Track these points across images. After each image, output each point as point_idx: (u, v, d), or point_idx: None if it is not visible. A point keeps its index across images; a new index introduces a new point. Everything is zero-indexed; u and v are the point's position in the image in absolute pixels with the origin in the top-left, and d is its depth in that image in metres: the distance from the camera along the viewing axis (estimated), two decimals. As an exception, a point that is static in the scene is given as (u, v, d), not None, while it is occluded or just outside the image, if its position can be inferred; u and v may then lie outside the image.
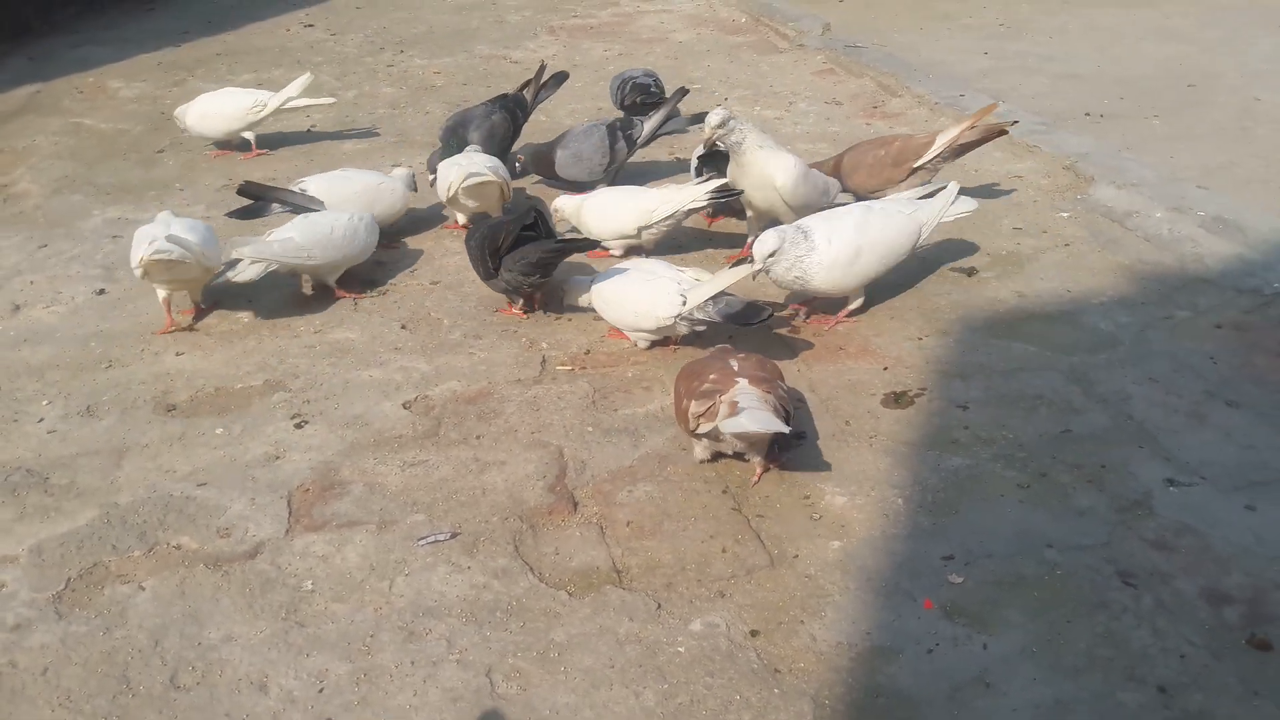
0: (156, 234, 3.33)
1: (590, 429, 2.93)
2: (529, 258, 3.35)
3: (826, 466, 2.75)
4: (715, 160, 4.06)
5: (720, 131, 3.61)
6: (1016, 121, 4.47)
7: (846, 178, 4.05)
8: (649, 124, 4.38)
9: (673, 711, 2.05)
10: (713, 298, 3.13)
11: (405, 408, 3.04)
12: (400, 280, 3.81)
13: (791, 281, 3.29)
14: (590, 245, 3.64)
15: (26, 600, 2.36)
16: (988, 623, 2.25)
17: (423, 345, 3.38)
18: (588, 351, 3.33)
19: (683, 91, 4.51)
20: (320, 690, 2.11)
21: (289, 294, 3.72)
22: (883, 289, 3.62)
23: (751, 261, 3.27)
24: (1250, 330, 3.30)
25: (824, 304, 3.47)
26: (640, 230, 3.78)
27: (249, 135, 4.97)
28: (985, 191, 4.44)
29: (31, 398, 3.14)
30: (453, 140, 4.32)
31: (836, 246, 3.27)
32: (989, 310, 3.48)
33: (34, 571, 2.44)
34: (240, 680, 2.14)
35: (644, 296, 3.21)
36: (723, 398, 2.60)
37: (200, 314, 3.60)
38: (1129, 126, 5.36)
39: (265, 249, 3.50)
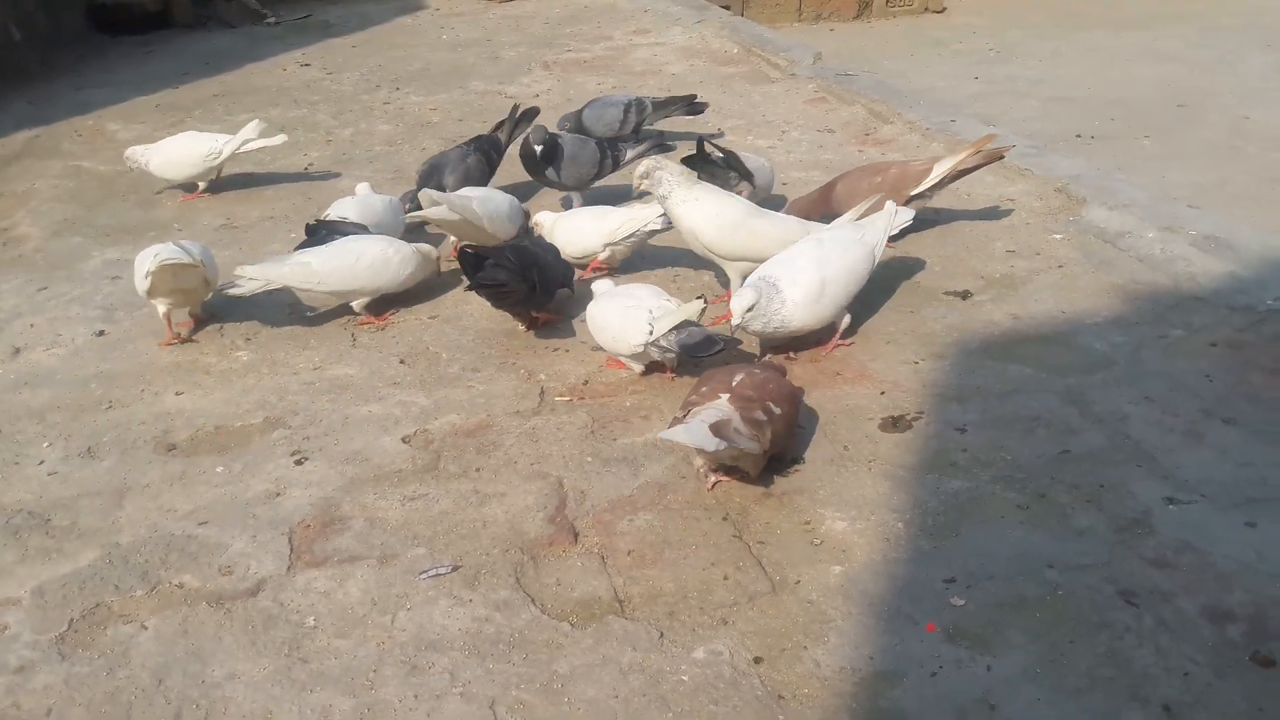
0: (159, 249, 3.53)
1: (590, 459, 2.94)
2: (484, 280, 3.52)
3: (826, 492, 2.75)
4: (701, 163, 4.28)
5: (645, 183, 3.52)
6: (1014, 145, 4.51)
7: (840, 206, 4.03)
8: (632, 151, 4.56)
9: (677, 741, 2.05)
10: (675, 328, 3.17)
11: (405, 442, 3.05)
12: (398, 316, 3.83)
13: (774, 333, 3.29)
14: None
15: (29, 642, 2.36)
16: (990, 644, 2.25)
17: (421, 379, 3.39)
18: (586, 382, 3.35)
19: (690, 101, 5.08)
20: (323, 727, 2.11)
21: (288, 331, 3.74)
22: (877, 314, 3.65)
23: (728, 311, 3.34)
24: (1245, 348, 3.32)
25: (816, 337, 3.46)
26: (606, 248, 3.93)
27: (201, 183, 5.06)
28: (978, 214, 4.47)
29: (32, 440, 3.15)
30: (429, 184, 4.40)
31: (802, 285, 3.26)
32: (984, 333, 3.50)
33: (36, 613, 2.45)
34: (245, 717, 2.14)
35: (618, 323, 3.29)
36: (696, 409, 2.67)
37: (199, 325, 3.77)
38: (1120, 147, 5.42)
39: (273, 270, 3.62)
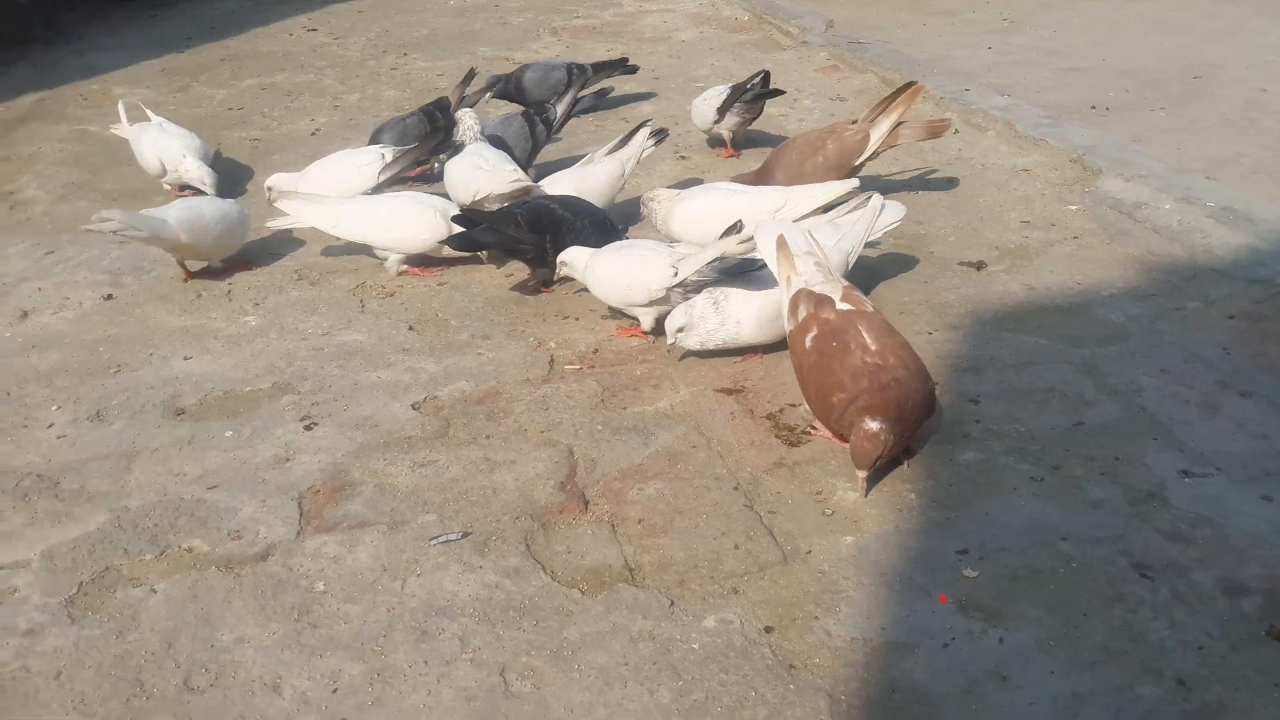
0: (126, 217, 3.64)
1: (600, 427, 2.92)
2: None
3: (838, 463, 2.74)
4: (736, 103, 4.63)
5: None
6: (951, 122, 4.43)
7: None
8: (561, 106, 4.56)
9: (687, 708, 2.04)
10: (708, 263, 3.16)
11: (414, 408, 3.04)
12: (407, 282, 3.80)
13: (720, 344, 3.15)
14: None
15: (39, 605, 2.36)
16: (1003, 617, 2.23)
17: (430, 346, 3.37)
18: (595, 350, 3.32)
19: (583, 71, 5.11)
20: (334, 691, 2.11)
21: (296, 297, 3.72)
22: (890, 283, 3.61)
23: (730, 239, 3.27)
24: (1262, 320, 3.28)
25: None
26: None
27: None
28: (992, 185, 4.42)
29: (41, 403, 3.14)
30: (371, 143, 4.44)
31: (756, 304, 3.12)
32: (998, 304, 3.47)
33: (46, 576, 2.44)
34: (254, 682, 2.14)
35: (636, 270, 3.25)
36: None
37: (231, 271, 3.91)
38: (1135, 119, 5.34)
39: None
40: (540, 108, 4.57)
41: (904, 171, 4.59)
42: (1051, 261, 3.74)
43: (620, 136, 4.15)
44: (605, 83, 5.64)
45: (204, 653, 2.21)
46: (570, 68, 5.35)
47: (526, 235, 3.52)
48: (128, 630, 2.28)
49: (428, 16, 7.82)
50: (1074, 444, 2.76)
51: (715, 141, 5.06)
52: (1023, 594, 2.29)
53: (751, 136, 5.06)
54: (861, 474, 2.59)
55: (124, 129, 4.68)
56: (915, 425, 2.66)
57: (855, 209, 3.50)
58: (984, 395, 2.98)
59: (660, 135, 4.29)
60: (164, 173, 4.43)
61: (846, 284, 2.88)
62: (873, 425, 2.54)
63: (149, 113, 4.74)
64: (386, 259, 3.81)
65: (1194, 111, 5.32)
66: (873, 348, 2.67)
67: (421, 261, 3.83)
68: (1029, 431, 2.82)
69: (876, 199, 3.39)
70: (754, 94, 4.82)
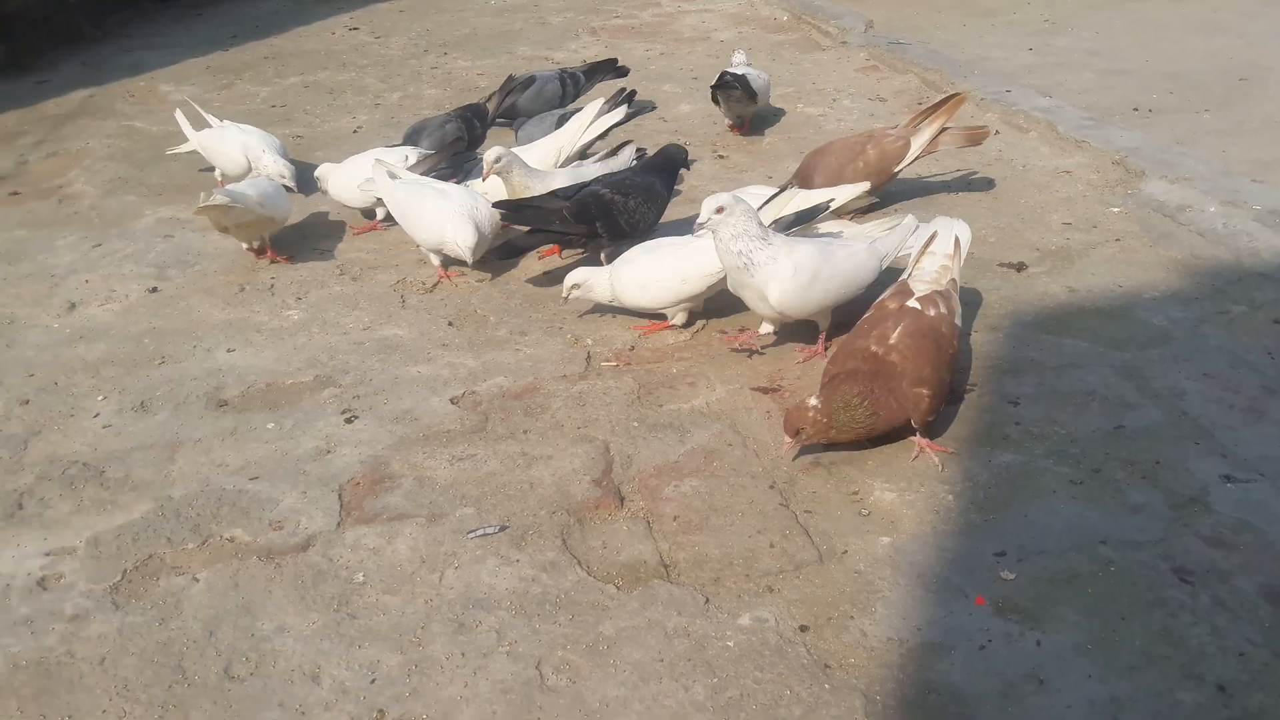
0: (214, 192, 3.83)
1: (636, 424, 2.93)
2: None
3: (874, 462, 2.73)
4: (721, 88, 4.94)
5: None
6: (996, 131, 4.45)
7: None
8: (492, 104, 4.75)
9: (723, 705, 2.05)
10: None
11: (453, 403, 3.06)
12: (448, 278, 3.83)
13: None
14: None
15: (84, 591, 2.41)
16: (1041, 620, 2.22)
17: (469, 342, 3.40)
18: (632, 348, 3.33)
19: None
20: (372, 681, 2.13)
21: (338, 292, 3.76)
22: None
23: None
24: (1309, 325, 3.23)
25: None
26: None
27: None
28: (1033, 186, 4.39)
29: (87, 393, 3.19)
30: (407, 145, 4.46)
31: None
32: (1039, 305, 3.44)
33: (91, 563, 2.49)
34: (293, 671, 2.17)
35: (686, 261, 3.26)
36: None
37: (261, 252, 4.01)
38: (1179, 121, 5.27)
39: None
40: (478, 109, 4.72)
41: (945, 172, 4.56)
42: (1093, 264, 3.70)
43: (610, 148, 4.27)
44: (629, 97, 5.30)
45: (244, 641, 2.25)
46: (563, 77, 5.31)
47: (575, 227, 3.60)
48: (170, 618, 2.32)
49: (468, 16, 7.87)
50: (1114, 447, 2.73)
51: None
52: (1061, 597, 2.27)
53: (790, 136, 5.05)
54: (785, 440, 2.71)
55: (192, 138, 4.70)
56: (888, 421, 2.69)
57: (889, 228, 3.36)
58: (1024, 397, 2.96)
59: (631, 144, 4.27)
60: (248, 169, 4.47)
61: (943, 290, 2.91)
62: (810, 400, 2.66)
63: (209, 117, 4.78)
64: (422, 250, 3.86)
65: (1239, 114, 5.24)
66: (890, 341, 2.72)
67: (447, 261, 3.81)
68: (1069, 434, 2.79)
69: (910, 221, 3.30)
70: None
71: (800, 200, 3.57)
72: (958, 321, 2.90)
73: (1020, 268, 3.69)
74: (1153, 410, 2.88)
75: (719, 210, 2.97)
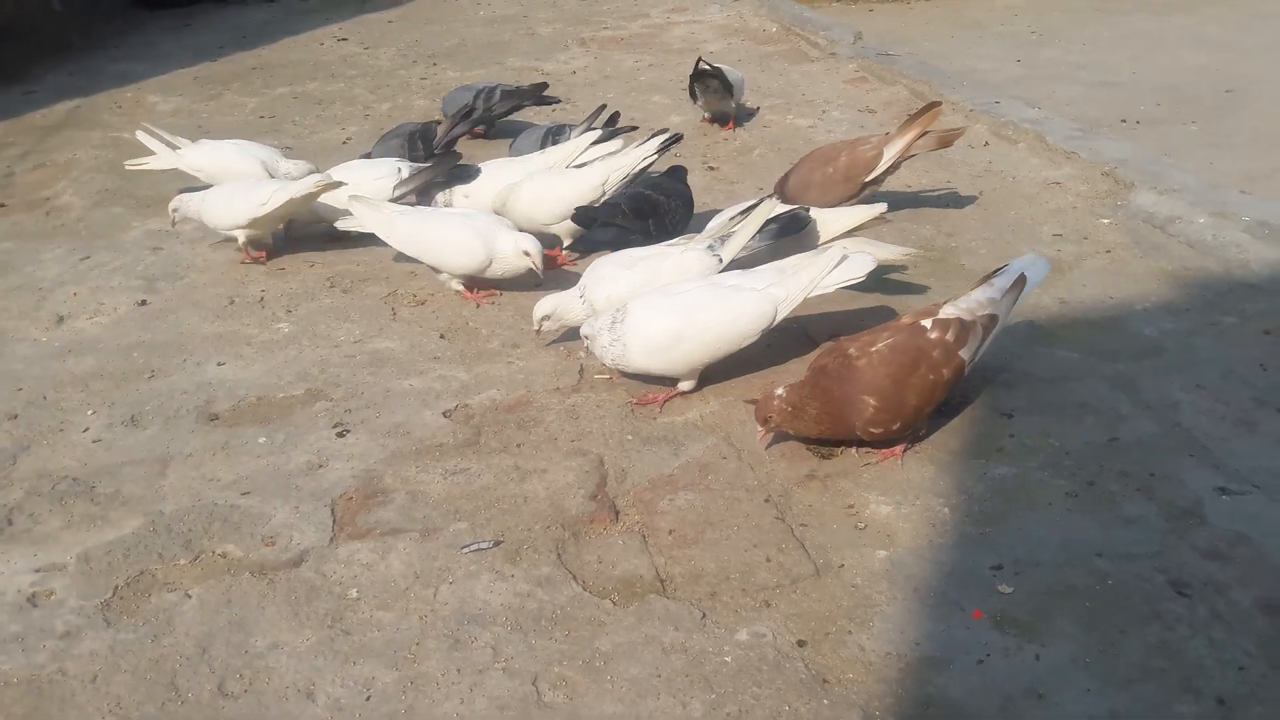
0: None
1: (630, 437, 2.92)
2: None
3: (870, 476, 2.73)
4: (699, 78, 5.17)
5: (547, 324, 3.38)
6: (964, 129, 4.48)
7: (798, 198, 3.94)
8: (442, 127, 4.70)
9: (721, 721, 2.03)
10: (753, 235, 3.26)
11: (446, 416, 3.05)
12: (438, 291, 3.82)
13: (612, 363, 3.05)
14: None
15: (75, 608, 2.38)
16: (1039, 633, 2.21)
17: (461, 354, 3.39)
18: (626, 360, 3.32)
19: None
20: (367, 698, 2.11)
21: (329, 304, 3.74)
22: (922, 297, 3.59)
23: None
24: (1300, 337, 3.25)
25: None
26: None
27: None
28: (1024, 198, 4.40)
29: (76, 407, 3.17)
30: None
31: (645, 334, 2.96)
32: (1031, 318, 3.44)
33: (82, 579, 2.46)
34: (288, 688, 2.14)
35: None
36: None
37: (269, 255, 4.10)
38: (1167, 133, 5.32)
39: (369, 216, 3.77)
40: (428, 130, 4.66)
41: (934, 183, 4.58)
42: (1084, 275, 3.71)
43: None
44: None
45: (238, 658, 2.22)
46: (477, 93, 5.28)
47: (633, 222, 3.68)
48: (163, 634, 2.29)
49: (457, 27, 7.88)
50: (1109, 459, 2.74)
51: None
52: (1058, 610, 2.27)
53: (780, 147, 5.06)
54: (759, 430, 2.80)
55: (169, 157, 4.54)
56: (829, 421, 2.72)
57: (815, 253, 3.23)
58: (1017, 410, 2.96)
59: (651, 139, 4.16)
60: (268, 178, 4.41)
61: (971, 320, 2.81)
62: (778, 390, 2.75)
63: (172, 137, 4.62)
64: (441, 274, 3.78)
65: (1228, 126, 5.29)
66: (871, 349, 2.75)
67: (470, 283, 3.77)
68: (1063, 446, 2.80)
69: (836, 251, 3.07)
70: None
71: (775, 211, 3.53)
72: (964, 355, 2.78)
73: (1012, 279, 3.69)
74: (1146, 422, 2.88)
75: (545, 318, 3.20)
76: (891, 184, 4.46)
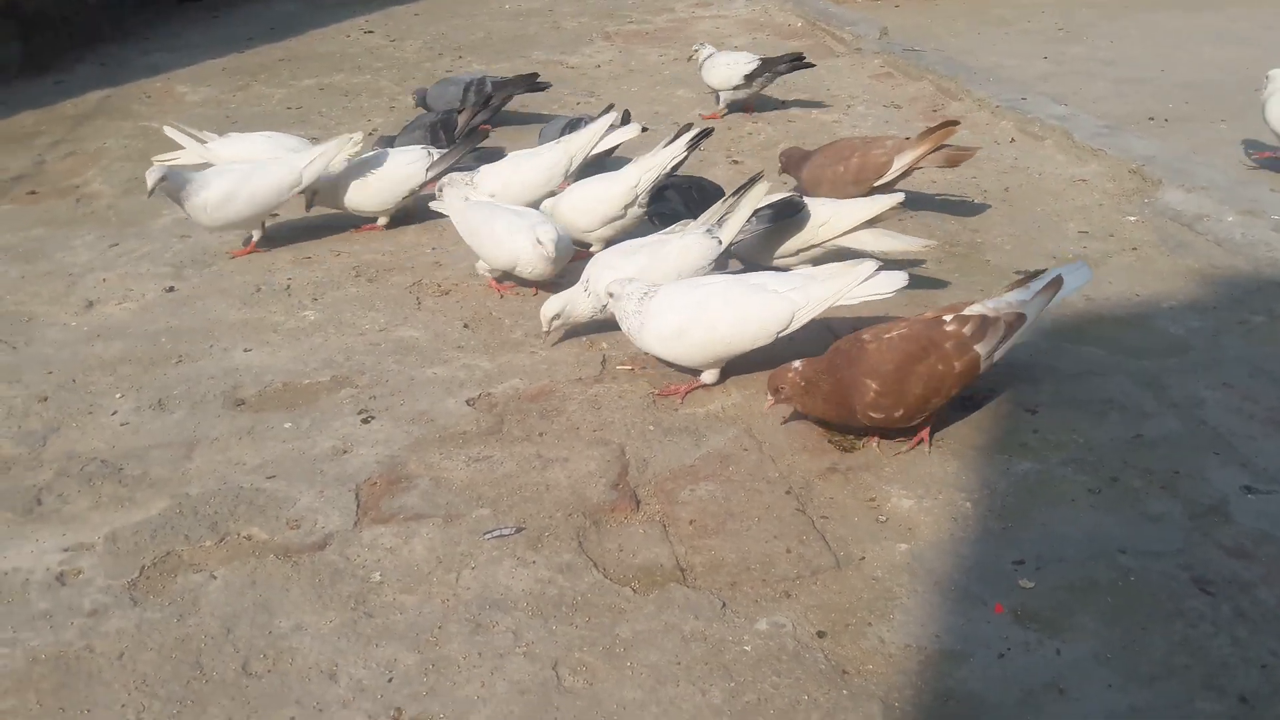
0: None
1: (651, 428, 2.93)
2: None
3: (892, 469, 2.72)
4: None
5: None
6: (979, 148, 4.48)
7: (809, 191, 4.00)
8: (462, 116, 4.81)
9: (740, 710, 2.04)
10: (749, 218, 3.28)
11: (469, 404, 3.06)
12: (462, 280, 3.84)
13: (627, 331, 3.11)
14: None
15: (102, 586, 2.41)
16: (1060, 628, 2.21)
17: (485, 344, 3.40)
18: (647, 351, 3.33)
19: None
20: (389, 680, 2.13)
21: (354, 293, 3.77)
22: (946, 291, 3.58)
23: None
24: (1329, 336, 3.22)
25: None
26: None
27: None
28: (1050, 194, 4.38)
29: (105, 391, 3.20)
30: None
31: (659, 320, 3.00)
32: (1056, 314, 3.41)
33: (109, 559, 2.49)
34: (311, 669, 2.17)
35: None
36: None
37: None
38: (1195, 130, 5.27)
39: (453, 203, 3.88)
40: (449, 119, 4.76)
41: (960, 179, 4.56)
42: (1110, 272, 3.69)
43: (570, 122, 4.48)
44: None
45: (262, 639, 2.25)
46: (468, 85, 5.32)
47: (698, 207, 3.59)
48: (188, 614, 2.32)
49: (483, 20, 7.90)
50: (1133, 456, 2.72)
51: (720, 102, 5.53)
52: (1080, 606, 2.26)
53: (805, 141, 5.04)
54: (768, 398, 2.82)
55: (197, 150, 4.60)
56: (835, 401, 2.74)
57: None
58: (1041, 405, 2.95)
59: (703, 134, 4.07)
60: None
61: (995, 318, 2.78)
62: (795, 364, 2.79)
63: (198, 133, 4.69)
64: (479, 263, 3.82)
65: (1257, 124, 5.22)
66: (884, 336, 2.76)
67: (505, 276, 3.77)
68: (1087, 443, 2.78)
69: (868, 265, 3.01)
70: (788, 67, 5.44)
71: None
72: (979, 350, 2.74)
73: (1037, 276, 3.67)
74: (1171, 419, 2.86)
75: (555, 318, 3.20)
76: (917, 179, 4.45)
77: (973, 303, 2.88)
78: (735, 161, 4.97)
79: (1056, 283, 2.89)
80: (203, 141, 4.60)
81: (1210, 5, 7.94)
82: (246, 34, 7.60)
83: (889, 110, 5.61)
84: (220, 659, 2.20)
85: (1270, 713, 1.99)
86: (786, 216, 3.36)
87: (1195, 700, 2.03)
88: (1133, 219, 4.11)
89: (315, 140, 5.13)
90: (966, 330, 2.76)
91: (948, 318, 2.80)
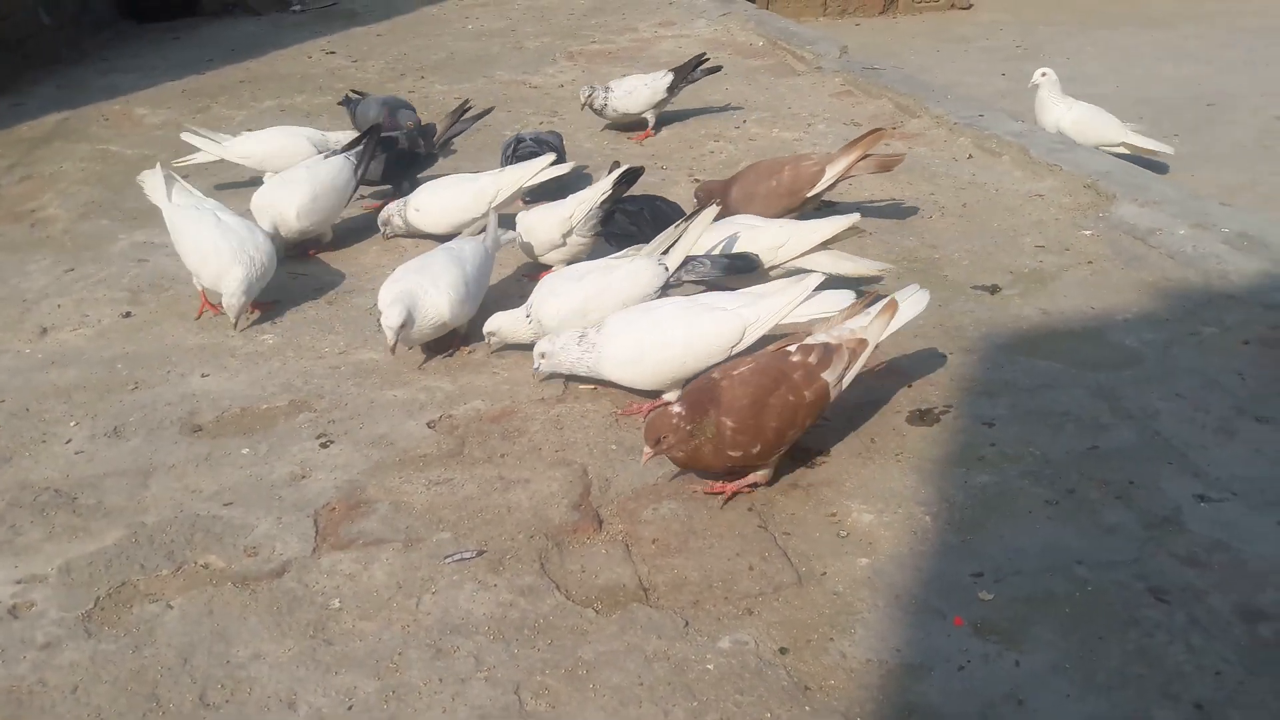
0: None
1: (614, 447, 2.93)
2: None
3: (852, 484, 2.74)
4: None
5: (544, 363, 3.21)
6: (905, 153, 4.59)
7: (740, 209, 3.96)
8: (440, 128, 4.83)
9: (702, 729, 2.04)
10: (705, 261, 3.30)
11: (430, 427, 3.05)
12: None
13: (586, 373, 3.07)
14: None
15: (55, 619, 2.37)
16: (1019, 640, 2.23)
17: (446, 365, 3.39)
18: (611, 371, 3.33)
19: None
20: (349, 708, 2.11)
21: (313, 315, 3.75)
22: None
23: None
24: (1279, 346, 3.27)
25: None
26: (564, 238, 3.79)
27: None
28: (1006, 209, 4.43)
29: (59, 419, 3.16)
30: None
31: (617, 344, 3.00)
32: (1013, 327, 3.47)
33: (63, 590, 2.45)
34: (269, 698, 2.14)
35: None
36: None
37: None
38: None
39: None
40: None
41: (918, 195, 4.60)
42: (1066, 286, 3.74)
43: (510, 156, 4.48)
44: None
45: (220, 668, 2.22)
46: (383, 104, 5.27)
47: (650, 230, 3.65)
48: (144, 645, 2.29)
49: (445, 40, 7.89)
50: (1089, 468, 2.76)
51: (626, 127, 5.61)
52: (1038, 617, 2.28)
53: (767, 157, 5.08)
54: (645, 450, 2.67)
55: (216, 148, 4.77)
56: (700, 445, 2.63)
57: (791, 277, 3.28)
58: (999, 418, 2.98)
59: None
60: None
61: (838, 345, 2.78)
62: (673, 406, 2.68)
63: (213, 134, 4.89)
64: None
65: (1208, 139, 5.35)
66: (734, 372, 2.70)
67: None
68: (1044, 455, 2.81)
69: (812, 280, 3.05)
70: (703, 73, 5.66)
71: (753, 240, 3.49)
72: (827, 378, 2.72)
73: (994, 290, 3.72)
74: (1126, 431, 2.90)
75: (544, 356, 3.07)
76: (876, 194, 4.50)
77: (813, 332, 2.87)
78: (696, 179, 4.98)
79: (891, 306, 2.88)
80: (218, 142, 4.79)
81: (1163, 23, 8.10)
82: (206, 56, 7.55)
83: (849, 128, 5.65)
84: (177, 690, 2.17)
85: (1224, 719, 2.02)
86: (741, 271, 3.32)
87: (1151, 709, 2.05)
88: (1088, 233, 4.17)
89: (325, 131, 5.06)
90: (812, 359, 2.73)
91: (792, 348, 2.77)
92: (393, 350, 3.28)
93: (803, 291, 3.03)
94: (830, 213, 4.02)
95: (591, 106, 5.57)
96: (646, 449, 2.65)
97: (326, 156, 4.26)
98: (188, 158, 4.90)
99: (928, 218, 4.39)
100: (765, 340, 2.99)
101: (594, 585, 2.43)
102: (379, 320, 3.28)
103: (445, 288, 3.33)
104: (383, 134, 4.54)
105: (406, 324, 3.21)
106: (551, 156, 4.26)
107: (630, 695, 2.12)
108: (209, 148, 4.82)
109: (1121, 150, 5.57)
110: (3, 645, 2.30)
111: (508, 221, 3.93)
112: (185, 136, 4.87)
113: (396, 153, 4.65)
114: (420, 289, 3.28)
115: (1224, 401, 3.01)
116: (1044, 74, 6.01)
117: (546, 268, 3.88)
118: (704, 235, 3.34)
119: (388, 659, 2.23)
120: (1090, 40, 7.77)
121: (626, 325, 3.04)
